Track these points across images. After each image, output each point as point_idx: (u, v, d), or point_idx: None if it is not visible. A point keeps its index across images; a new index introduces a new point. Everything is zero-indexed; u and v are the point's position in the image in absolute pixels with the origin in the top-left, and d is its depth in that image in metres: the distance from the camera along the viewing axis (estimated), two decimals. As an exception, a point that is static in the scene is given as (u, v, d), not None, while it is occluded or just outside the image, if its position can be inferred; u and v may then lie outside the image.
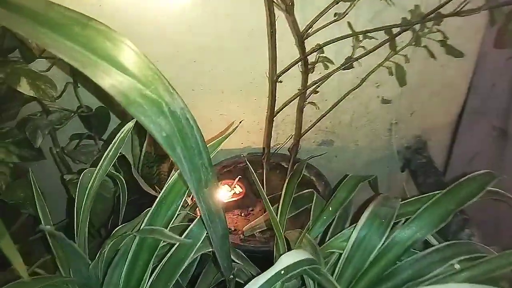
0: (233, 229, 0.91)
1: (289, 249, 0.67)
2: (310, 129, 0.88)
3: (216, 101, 1.00)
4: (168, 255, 0.53)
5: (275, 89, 0.78)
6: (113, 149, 0.61)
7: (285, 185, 0.83)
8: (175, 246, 0.55)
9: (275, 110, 0.81)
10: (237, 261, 0.62)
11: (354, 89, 0.85)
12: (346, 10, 0.72)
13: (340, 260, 0.60)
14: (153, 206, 0.56)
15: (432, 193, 0.64)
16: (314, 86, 0.84)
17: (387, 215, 0.60)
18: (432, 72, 0.98)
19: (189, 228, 0.56)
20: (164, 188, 0.57)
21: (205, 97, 0.99)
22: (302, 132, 0.88)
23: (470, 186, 0.59)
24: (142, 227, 0.53)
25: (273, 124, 1.05)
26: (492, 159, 1.25)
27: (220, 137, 0.59)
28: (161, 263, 0.54)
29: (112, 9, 0.83)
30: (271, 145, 1.08)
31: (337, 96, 0.89)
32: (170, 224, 0.55)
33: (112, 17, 0.84)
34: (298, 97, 0.84)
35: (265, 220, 0.89)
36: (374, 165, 1.16)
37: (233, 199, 0.96)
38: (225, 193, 0.96)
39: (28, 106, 0.87)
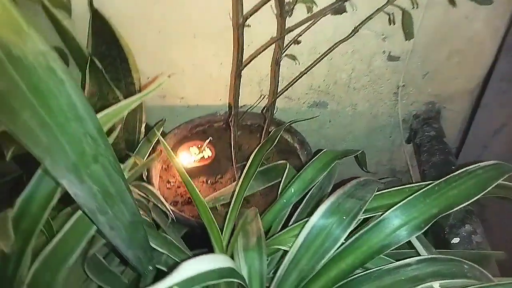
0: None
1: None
2: (288, 87, 0.71)
3: (188, 48, 0.84)
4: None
5: (242, 35, 0.62)
6: None
7: (253, 155, 0.70)
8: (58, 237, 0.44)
9: (243, 62, 0.66)
10: (160, 249, 0.50)
11: (345, 40, 0.67)
12: None
13: (285, 261, 0.47)
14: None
15: (417, 184, 0.50)
16: (295, 35, 0.67)
17: (352, 210, 0.46)
18: (453, 25, 0.78)
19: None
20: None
21: (174, 42, 0.83)
22: (279, 90, 0.73)
23: (467, 183, 0.43)
24: None
25: (256, 79, 0.90)
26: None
27: (138, 95, 0.45)
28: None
29: None
30: (252, 103, 0.93)
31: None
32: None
33: None
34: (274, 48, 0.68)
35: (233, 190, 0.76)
36: (374, 134, 0.99)
37: (200, 164, 0.83)
38: (191, 156, 0.84)
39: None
